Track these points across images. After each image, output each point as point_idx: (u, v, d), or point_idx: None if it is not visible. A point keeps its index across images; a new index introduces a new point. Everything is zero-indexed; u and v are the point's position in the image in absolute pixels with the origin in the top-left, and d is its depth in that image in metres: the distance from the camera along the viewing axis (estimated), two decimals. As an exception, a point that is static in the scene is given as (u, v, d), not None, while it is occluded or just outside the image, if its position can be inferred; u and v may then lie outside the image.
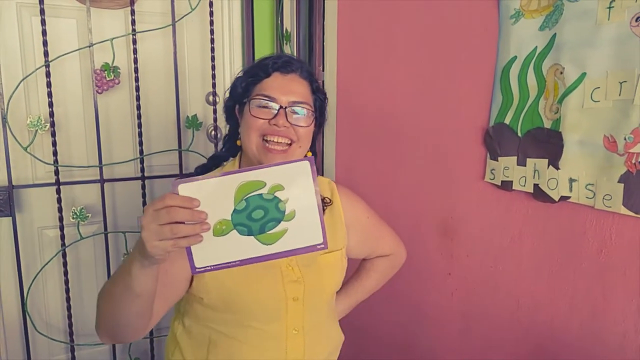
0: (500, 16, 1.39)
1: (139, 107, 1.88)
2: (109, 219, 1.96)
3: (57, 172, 1.82)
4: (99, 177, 1.89)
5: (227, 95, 1.12)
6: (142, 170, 1.95)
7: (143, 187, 1.96)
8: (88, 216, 1.90)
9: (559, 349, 1.34)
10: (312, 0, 2.05)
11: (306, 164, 0.80)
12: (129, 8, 1.83)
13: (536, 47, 1.30)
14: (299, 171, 0.80)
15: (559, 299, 1.33)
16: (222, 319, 1.04)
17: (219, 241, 0.79)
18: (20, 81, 1.76)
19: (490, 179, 1.47)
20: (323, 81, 2.03)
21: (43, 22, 1.69)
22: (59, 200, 1.83)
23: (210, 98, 2.06)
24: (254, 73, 1.05)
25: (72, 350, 1.98)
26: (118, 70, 1.89)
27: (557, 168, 1.27)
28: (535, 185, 1.33)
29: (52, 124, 1.77)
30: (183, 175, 2.01)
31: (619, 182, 1.15)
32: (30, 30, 1.83)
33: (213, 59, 1.97)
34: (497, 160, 1.44)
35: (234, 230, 0.79)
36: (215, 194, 0.77)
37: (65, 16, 1.87)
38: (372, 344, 1.97)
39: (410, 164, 1.77)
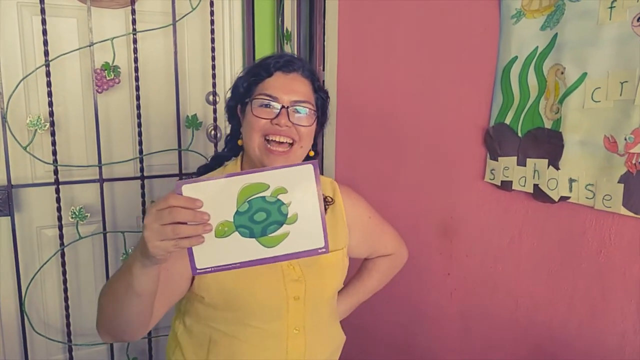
0: (501, 16, 1.39)
1: (139, 107, 1.88)
2: (108, 219, 1.96)
3: (56, 172, 1.82)
4: (98, 177, 1.89)
5: (229, 94, 1.12)
6: (142, 169, 1.94)
7: (142, 186, 1.96)
8: (87, 216, 1.90)
9: (558, 349, 1.34)
10: (312, 0, 2.05)
11: (310, 168, 0.80)
12: (130, 7, 1.83)
13: (537, 47, 1.30)
14: (302, 174, 0.80)
15: (558, 299, 1.33)
16: (222, 318, 1.04)
17: (221, 243, 0.79)
18: (20, 80, 1.76)
19: (490, 179, 1.47)
20: (323, 81, 2.03)
21: (43, 22, 1.69)
22: (58, 200, 1.83)
23: (211, 98, 2.06)
24: (256, 72, 1.05)
25: (70, 350, 1.97)
26: (118, 69, 1.89)
27: (557, 168, 1.27)
28: (535, 186, 1.33)
29: (52, 124, 1.77)
30: (185, 175, 2.02)
31: (619, 182, 1.14)
32: (30, 30, 1.83)
33: (213, 58, 1.98)
34: (497, 160, 1.44)
35: (236, 232, 0.80)
36: (218, 196, 0.77)
37: (66, 15, 1.87)
38: (371, 344, 1.96)
39: (410, 163, 1.76)
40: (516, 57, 1.36)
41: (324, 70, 2.05)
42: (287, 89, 1.02)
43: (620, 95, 1.13)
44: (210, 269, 0.80)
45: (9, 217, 1.80)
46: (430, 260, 1.69)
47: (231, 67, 2.18)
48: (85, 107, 1.95)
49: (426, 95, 1.67)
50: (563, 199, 1.27)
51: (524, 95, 1.35)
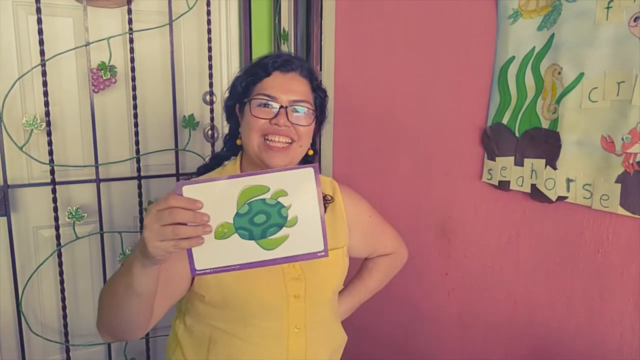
0: (499, 16, 1.39)
1: (135, 107, 1.88)
2: (104, 219, 1.96)
3: (52, 172, 1.81)
4: (94, 177, 1.89)
5: (227, 94, 1.12)
6: (139, 169, 1.94)
7: (139, 186, 1.95)
8: (84, 216, 1.89)
9: (556, 349, 1.34)
10: (309, -1, 2.05)
11: (310, 171, 0.81)
12: (126, 7, 1.83)
13: (534, 47, 1.30)
14: (303, 177, 0.81)
15: (556, 299, 1.33)
16: (223, 317, 1.04)
17: (220, 244, 0.79)
18: (16, 80, 1.75)
19: (488, 179, 1.47)
20: (320, 80, 2.03)
21: (39, 21, 1.68)
22: (55, 200, 1.82)
23: (208, 98, 2.05)
24: (254, 72, 1.05)
25: (67, 351, 1.97)
26: (115, 69, 1.89)
27: (555, 168, 1.27)
28: (533, 186, 1.33)
29: (48, 123, 1.76)
30: (182, 175, 2.01)
31: (616, 182, 1.14)
32: (26, 29, 1.82)
33: (210, 58, 1.97)
34: (495, 160, 1.44)
35: (236, 234, 0.80)
36: (218, 197, 0.77)
37: (62, 15, 1.87)
38: (370, 344, 1.96)
39: (407, 163, 1.76)
40: (513, 57, 1.36)
41: (321, 70, 2.05)
42: (286, 89, 1.02)
43: (617, 95, 1.13)
44: (209, 270, 0.80)
45: (6, 218, 1.80)
46: (428, 260, 1.69)
47: (228, 67, 2.17)
48: (82, 107, 1.94)
49: (423, 95, 1.67)
50: (560, 198, 1.27)
51: (521, 95, 1.35)
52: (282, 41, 2.13)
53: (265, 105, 1.00)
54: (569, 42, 1.21)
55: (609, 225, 1.19)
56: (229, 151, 1.16)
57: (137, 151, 1.92)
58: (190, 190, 0.76)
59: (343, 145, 2.05)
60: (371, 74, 1.87)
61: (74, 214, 1.87)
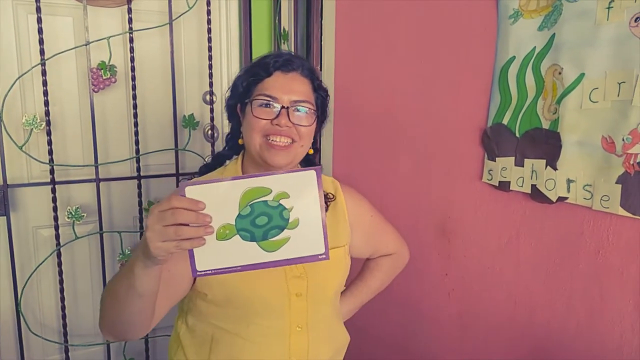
0: (499, 16, 1.39)
1: (135, 106, 1.88)
2: (104, 219, 1.95)
3: (52, 171, 1.81)
4: (94, 177, 1.88)
5: (228, 94, 1.12)
6: (138, 169, 1.94)
7: (139, 186, 1.95)
8: (83, 216, 1.89)
9: (556, 350, 1.34)
10: (309, -1, 2.05)
11: (312, 174, 0.81)
12: (126, 6, 1.83)
13: (535, 47, 1.30)
14: (305, 180, 0.81)
15: (556, 299, 1.33)
16: (225, 315, 1.04)
17: (222, 245, 0.80)
18: (16, 79, 1.75)
19: (488, 180, 1.47)
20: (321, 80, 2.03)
21: (39, 20, 1.68)
22: (54, 200, 1.82)
23: (208, 97, 2.05)
24: (255, 72, 1.05)
25: (66, 351, 1.96)
26: (114, 68, 1.88)
27: (555, 169, 1.27)
28: (533, 186, 1.33)
29: (48, 123, 1.76)
30: (182, 175, 2.01)
31: (616, 183, 1.14)
32: (26, 28, 1.82)
33: (210, 58, 1.97)
34: (495, 161, 1.43)
35: (237, 235, 0.80)
36: (221, 198, 0.78)
37: (62, 14, 1.86)
38: (369, 344, 1.96)
39: (407, 163, 1.76)
40: (514, 57, 1.36)
41: (321, 69, 2.05)
42: (287, 89, 1.02)
43: (618, 95, 1.13)
44: (210, 272, 0.81)
45: (5, 217, 1.79)
46: (428, 260, 1.69)
47: (228, 67, 2.17)
48: (82, 107, 1.94)
49: (424, 95, 1.67)
50: (561, 199, 1.27)
51: (521, 95, 1.35)
52: (282, 41, 2.13)
53: (267, 105, 1.01)
54: (570, 42, 1.21)
55: (609, 225, 1.19)
56: (231, 150, 1.16)
57: (137, 151, 1.92)
58: (192, 191, 0.76)
59: (343, 145, 2.05)
60: (371, 73, 1.87)
61: (73, 213, 1.86)
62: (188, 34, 2.07)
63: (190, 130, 2.01)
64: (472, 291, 1.58)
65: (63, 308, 1.92)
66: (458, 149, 1.57)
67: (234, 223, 0.79)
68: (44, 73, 1.72)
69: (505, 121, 1.40)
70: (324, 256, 0.84)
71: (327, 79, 2.02)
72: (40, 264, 1.87)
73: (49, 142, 1.77)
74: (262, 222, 0.80)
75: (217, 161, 1.17)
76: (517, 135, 1.37)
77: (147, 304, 0.89)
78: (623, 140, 1.12)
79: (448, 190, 1.62)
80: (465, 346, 1.62)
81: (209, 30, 1.94)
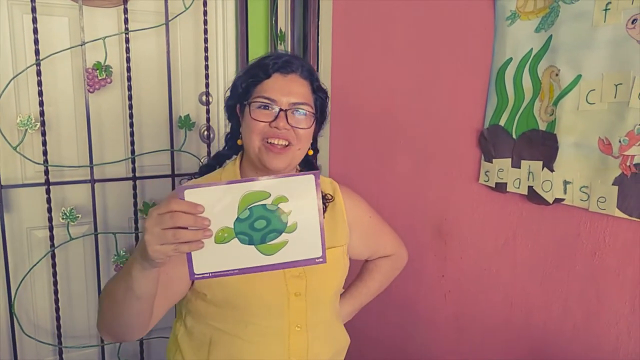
0: (496, 17, 1.39)
1: (131, 107, 1.87)
2: (99, 220, 1.94)
3: (47, 172, 1.80)
4: (89, 177, 1.87)
5: (228, 94, 1.12)
6: (134, 170, 1.93)
7: (134, 187, 1.94)
8: (78, 217, 1.88)
9: (553, 352, 1.34)
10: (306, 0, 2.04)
11: (311, 178, 0.82)
12: (122, 6, 1.81)
13: (532, 48, 1.30)
14: (303, 184, 0.82)
15: (552, 301, 1.33)
16: (224, 316, 1.04)
17: (220, 248, 0.80)
18: (11, 79, 1.74)
19: (485, 181, 1.47)
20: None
21: (34, 20, 1.67)
22: (49, 201, 1.81)
23: (204, 98, 2.04)
24: (254, 74, 1.05)
25: (60, 353, 1.95)
26: (110, 69, 1.87)
27: (552, 170, 1.27)
28: (530, 187, 1.33)
29: (43, 123, 1.75)
30: (178, 177, 2.00)
31: (613, 184, 1.15)
32: (21, 28, 1.81)
33: (207, 58, 1.96)
34: (492, 162, 1.43)
35: (236, 239, 0.80)
36: (220, 202, 0.78)
37: (57, 14, 1.85)
38: (366, 345, 1.96)
39: (404, 164, 1.76)
40: (511, 59, 1.36)
41: (318, 70, 2.05)
42: (285, 91, 1.02)
43: (615, 97, 1.13)
44: (208, 275, 0.81)
45: (-1, 218, 1.78)
46: (425, 261, 1.69)
47: (224, 68, 2.16)
48: (77, 107, 1.93)
49: (421, 96, 1.67)
50: (557, 200, 1.27)
51: (518, 97, 1.35)
52: (279, 41, 2.12)
53: (265, 107, 1.01)
54: (567, 44, 1.21)
55: (605, 227, 1.19)
56: (230, 150, 1.17)
57: (132, 152, 1.91)
58: (191, 194, 0.76)
59: (340, 145, 2.05)
60: (368, 74, 1.87)
61: (68, 214, 1.85)
62: (184, 34, 2.06)
63: (186, 131, 2.00)
64: (468, 293, 1.57)
65: (57, 310, 1.90)
66: (455, 150, 1.57)
67: (232, 226, 0.80)
68: (39, 73, 1.71)
69: (502, 122, 1.40)
70: (321, 260, 0.85)
71: (324, 79, 2.01)
72: (35, 265, 1.86)
73: (44, 143, 1.76)
74: (261, 225, 0.81)
75: (216, 161, 1.17)
76: (514, 136, 1.37)
77: (145, 305, 0.89)
78: (620, 141, 1.13)
79: (445, 191, 1.62)
80: (461, 348, 1.62)
81: (206, 31, 1.93)
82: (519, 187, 1.37)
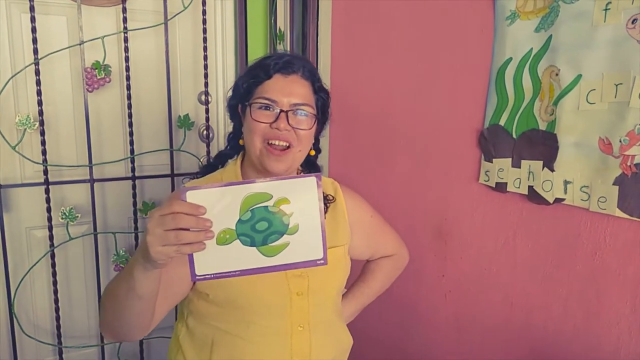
0: (496, 17, 1.38)
1: (130, 106, 1.86)
2: (98, 220, 1.94)
3: (46, 172, 1.79)
4: (88, 177, 1.87)
5: (230, 94, 1.12)
6: (133, 170, 1.92)
7: (134, 187, 1.94)
8: (77, 216, 1.87)
9: (553, 352, 1.34)
10: (305, -1, 2.04)
11: (313, 180, 0.82)
12: (121, 5, 1.81)
13: (532, 48, 1.30)
14: (305, 186, 0.82)
15: (553, 301, 1.33)
16: (225, 316, 1.04)
17: (222, 250, 0.80)
18: (9, 79, 1.73)
19: (485, 181, 1.47)
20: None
21: (33, 19, 1.66)
22: (48, 200, 1.80)
23: (203, 97, 2.04)
24: (255, 74, 1.05)
25: (60, 353, 1.95)
26: (109, 68, 1.87)
27: (552, 170, 1.27)
28: (530, 187, 1.33)
29: (42, 123, 1.74)
30: (178, 176, 2.00)
31: (613, 184, 1.14)
32: (19, 27, 1.80)
33: (206, 58, 1.96)
34: (492, 162, 1.43)
35: (237, 240, 0.81)
36: (222, 203, 0.78)
37: (56, 13, 1.85)
38: (366, 345, 1.96)
39: (404, 164, 1.76)
40: (511, 59, 1.35)
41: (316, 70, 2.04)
42: (286, 92, 1.02)
43: (615, 97, 1.13)
44: (209, 276, 0.81)
45: (-2, 218, 1.78)
46: (425, 261, 1.69)
47: (223, 67, 2.16)
48: (76, 106, 1.92)
49: (420, 96, 1.66)
50: (558, 200, 1.27)
51: (518, 96, 1.35)
52: (278, 41, 2.12)
53: (266, 108, 1.01)
54: (567, 44, 1.21)
55: (606, 227, 1.19)
56: (232, 150, 1.17)
57: (132, 151, 1.90)
58: (193, 196, 0.77)
59: (339, 145, 2.04)
60: (368, 74, 1.87)
61: (67, 214, 1.85)
62: (183, 33, 2.06)
63: (185, 130, 2.00)
64: (468, 293, 1.57)
65: (57, 309, 1.90)
66: (455, 150, 1.56)
67: (234, 228, 0.80)
68: (37, 72, 1.70)
69: (502, 122, 1.40)
70: (322, 261, 0.85)
71: (323, 79, 2.00)
72: (34, 265, 1.86)
73: (43, 142, 1.75)
74: (263, 227, 0.81)
75: (219, 160, 1.18)
76: (514, 136, 1.37)
77: (147, 306, 0.89)
78: (620, 141, 1.12)
79: (445, 191, 1.61)
80: (461, 348, 1.62)
81: (204, 30, 1.93)
82: (519, 187, 1.36)
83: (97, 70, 1.84)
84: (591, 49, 1.16)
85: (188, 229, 0.75)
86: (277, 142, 1.00)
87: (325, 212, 1.11)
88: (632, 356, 1.17)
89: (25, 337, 1.91)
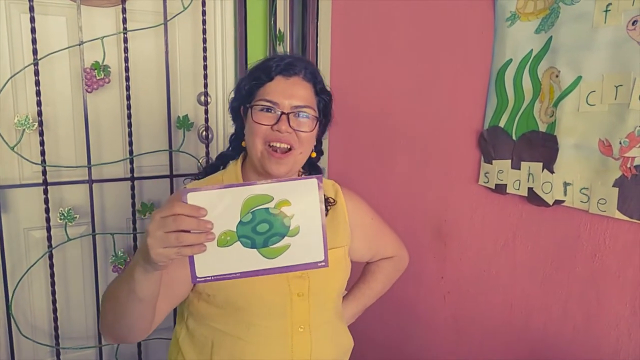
0: (496, 18, 1.38)
1: (129, 107, 1.86)
2: (97, 220, 1.93)
3: (44, 172, 1.79)
4: (87, 178, 1.86)
5: (232, 95, 1.12)
6: (132, 170, 1.92)
7: (132, 188, 1.93)
8: (76, 217, 1.87)
9: (553, 354, 1.34)
10: (305, 0, 2.03)
11: (314, 182, 0.82)
12: (120, 6, 1.81)
13: (532, 49, 1.30)
14: (306, 188, 0.82)
15: (552, 303, 1.33)
16: (225, 318, 1.03)
17: (222, 252, 0.80)
18: (8, 79, 1.73)
19: (484, 182, 1.46)
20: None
21: (32, 20, 1.66)
22: (46, 201, 1.80)
23: (202, 98, 2.03)
24: (257, 76, 1.04)
25: (58, 354, 1.94)
26: (108, 69, 1.87)
27: (552, 172, 1.27)
28: (530, 189, 1.33)
29: (40, 123, 1.74)
30: (177, 177, 1.99)
31: (613, 186, 1.14)
32: (19, 28, 1.80)
33: (205, 59, 1.95)
34: (491, 164, 1.43)
35: (238, 242, 0.80)
36: (222, 205, 0.78)
37: (55, 14, 1.85)
38: (365, 346, 1.95)
39: (403, 165, 1.76)
40: (511, 60, 1.35)
41: (316, 71, 2.04)
42: (287, 94, 1.01)
43: (615, 98, 1.13)
44: (210, 278, 0.81)
45: (-4, 219, 1.77)
46: (424, 263, 1.69)
47: (223, 68, 2.16)
48: (75, 107, 1.92)
49: (420, 97, 1.66)
50: (557, 202, 1.27)
51: (518, 98, 1.35)
52: (278, 42, 2.12)
53: (267, 110, 1.01)
54: (567, 45, 1.21)
55: (606, 229, 1.19)
56: (234, 151, 1.16)
57: (131, 152, 1.90)
58: (194, 197, 0.76)
59: (339, 146, 2.04)
60: (368, 75, 1.87)
61: (65, 215, 1.84)
62: (183, 34, 2.06)
63: (185, 131, 2.00)
64: (468, 294, 1.57)
65: (55, 310, 1.89)
66: (454, 151, 1.56)
67: (235, 230, 0.80)
68: (36, 73, 1.70)
69: (502, 124, 1.40)
70: (323, 263, 0.85)
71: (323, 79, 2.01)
72: (32, 265, 1.85)
73: (42, 143, 1.75)
74: (263, 229, 0.81)
75: (220, 161, 1.17)
76: (514, 138, 1.36)
77: (148, 307, 0.89)
78: (620, 143, 1.12)
79: (444, 192, 1.61)
80: (460, 350, 1.61)
81: (204, 31, 1.92)
82: (518, 189, 1.36)
83: (96, 71, 1.84)
84: (591, 50, 1.16)
85: (189, 231, 0.74)
86: (278, 145, 1.00)
87: (326, 215, 1.10)
88: (631, 358, 1.17)
89: (22, 338, 1.90)
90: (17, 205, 1.92)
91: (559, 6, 1.22)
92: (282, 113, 1.00)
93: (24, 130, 1.75)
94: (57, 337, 1.92)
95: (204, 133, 2.06)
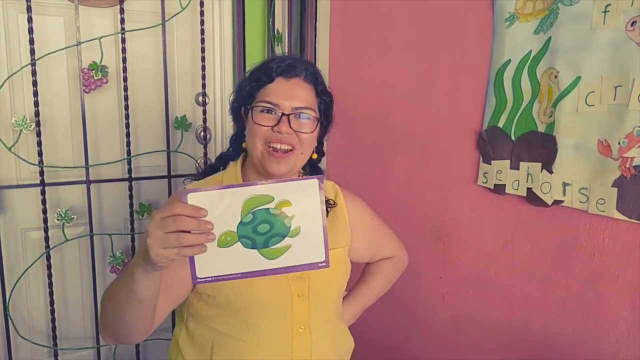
0: (495, 19, 1.39)
1: (127, 107, 1.85)
2: (95, 221, 1.93)
3: (42, 173, 1.78)
4: (85, 178, 1.86)
5: (233, 96, 1.12)
6: (130, 171, 1.91)
7: (130, 188, 1.93)
8: (73, 218, 1.86)
9: (552, 354, 1.34)
10: (304, 0, 2.03)
11: (315, 182, 0.82)
12: (118, 6, 1.80)
13: (530, 50, 1.30)
14: (307, 189, 0.82)
15: (551, 303, 1.33)
16: (225, 318, 1.03)
17: (223, 252, 0.80)
18: (6, 79, 1.72)
19: (483, 183, 1.47)
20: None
21: (30, 20, 1.66)
22: (44, 202, 1.79)
23: (200, 99, 2.03)
24: (257, 77, 1.04)
25: (56, 355, 1.94)
26: (106, 69, 1.86)
27: (551, 172, 1.27)
28: (529, 189, 1.33)
29: (38, 124, 1.73)
30: (175, 177, 1.99)
31: (612, 186, 1.14)
32: (16, 28, 1.79)
33: (203, 59, 1.95)
34: (490, 164, 1.43)
35: (239, 243, 0.80)
36: (223, 205, 0.78)
37: (53, 14, 1.84)
38: (364, 347, 1.95)
39: (402, 166, 1.76)
40: (509, 61, 1.35)
41: (315, 71, 2.04)
42: (288, 96, 1.01)
43: (614, 99, 1.13)
44: (210, 279, 0.81)
45: (-7, 220, 1.76)
46: (423, 263, 1.69)
47: (221, 68, 2.15)
48: (72, 107, 1.91)
49: (419, 97, 1.66)
50: (556, 202, 1.27)
51: (517, 98, 1.35)
52: (276, 42, 2.11)
53: (268, 111, 1.01)
54: (566, 46, 1.21)
55: (605, 229, 1.19)
56: (235, 152, 1.16)
57: (129, 152, 1.89)
58: (194, 198, 0.76)
59: (337, 147, 2.04)
60: (366, 75, 1.87)
61: (63, 215, 1.84)
62: (181, 34, 2.05)
63: (183, 131, 1.99)
64: (467, 295, 1.57)
65: (52, 311, 1.89)
66: (453, 151, 1.56)
67: (235, 230, 0.79)
68: (34, 73, 1.69)
69: (500, 124, 1.40)
70: (324, 264, 0.84)
71: (321, 80, 2.01)
72: (30, 266, 1.84)
73: (39, 143, 1.74)
74: (264, 229, 0.81)
75: (221, 162, 1.17)
76: (513, 138, 1.37)
77: (148, 308, 0.89)
78: (619, 143, 1.13)
79: (443, 193, 1.61)
80: (460, 350, 1.61)
81: (202, 31, 1.92)
82: (517, 189, 1.36)
83: (94, 71, 1.84)
84: (590, 51, 1.16)
85: (189, 232, 0.74)
86: (278, 146, 1.00)
87: (326, 217, 1.10)
88: (630, 358, 1.17)
89: (20, 339, 1.89)
90: (14, 206, 1.91)
91: (558, 7, 1.22)
92: (283, 114, 1.00)
93: (21, 130, 1.74)
94: (54, 337, 1.91)
95: (202, 133, 2.06)
